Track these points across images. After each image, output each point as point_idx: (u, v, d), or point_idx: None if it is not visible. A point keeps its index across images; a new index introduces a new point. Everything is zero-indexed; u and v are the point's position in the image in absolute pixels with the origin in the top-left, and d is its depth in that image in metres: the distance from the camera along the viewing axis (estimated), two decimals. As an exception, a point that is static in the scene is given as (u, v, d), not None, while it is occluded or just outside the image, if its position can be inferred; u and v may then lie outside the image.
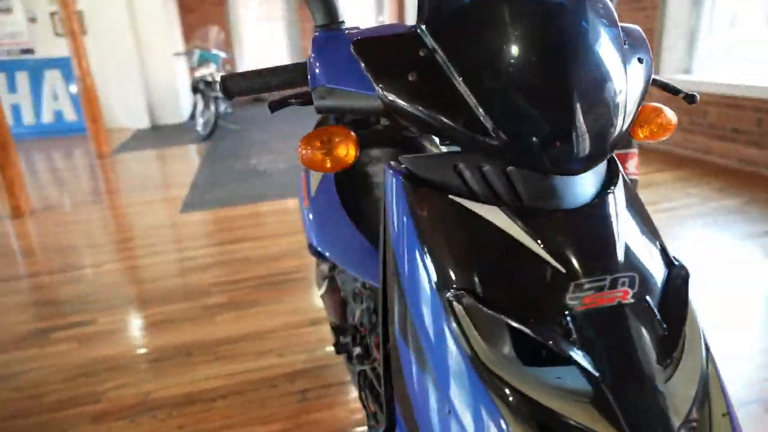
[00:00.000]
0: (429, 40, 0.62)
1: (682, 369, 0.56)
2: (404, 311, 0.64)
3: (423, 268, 0.62)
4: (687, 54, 4.69)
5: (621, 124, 0.62)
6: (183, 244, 3.37)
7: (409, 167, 0.70)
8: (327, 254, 1.35)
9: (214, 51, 7.67)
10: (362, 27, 0.72)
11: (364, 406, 1.34)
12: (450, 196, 0.63)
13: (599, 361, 0.53)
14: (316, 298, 2.55)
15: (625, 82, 0.63)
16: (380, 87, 0.63)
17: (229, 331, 2.32)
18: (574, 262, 0.57)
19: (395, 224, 0.68)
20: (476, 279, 0.58)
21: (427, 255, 0.62)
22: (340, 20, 0.71)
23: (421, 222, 0.64)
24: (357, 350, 1.37)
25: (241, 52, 10.54)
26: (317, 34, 0.72)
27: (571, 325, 0.54)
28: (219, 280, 2.80)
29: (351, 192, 1.46)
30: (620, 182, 0.65)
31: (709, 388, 0.57)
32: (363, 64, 0.64)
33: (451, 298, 0.58)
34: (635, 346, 0.54)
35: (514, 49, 0.59)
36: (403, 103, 0.62)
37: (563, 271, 0.56)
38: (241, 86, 0.76)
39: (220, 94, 7.31)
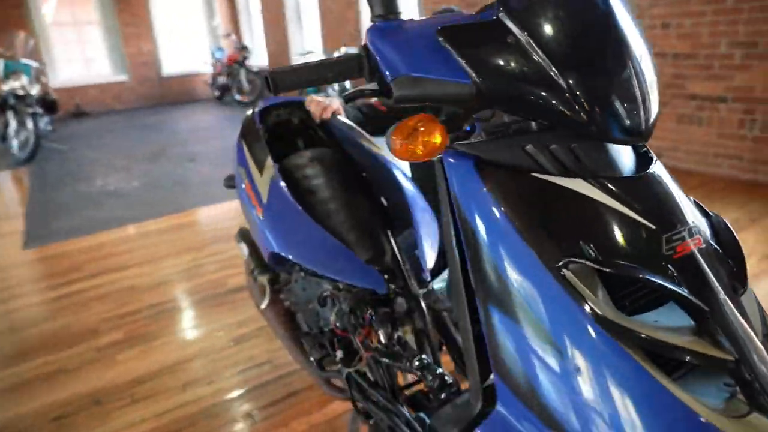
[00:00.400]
0: (513, 27, 0.65)
1: (746, 297, 0.68)
2: (507, 291, 0.67)
3: (524, 246, 0.65)
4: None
5: (659, 103, 0.71)
6: (46, 282, 2.91)
7: (475, 153, 0.72)
8: (295, 259, 1.30)
9: (24, 60, 6.68)
10: (410, 17, 0.73)
11: (356, 407, 1.32)
12: (533, 174, 0.68)
13: (698, 296, 0.62)
14: (229, 316, 2.40)
15: (653, 67, 0.73)
16: (476, 73, 0.65)
17: (137, 369, 2.07)
18: (660, 218, 0.65)
19: (476, 211, 0.70)
20: (581, 245, 0.63)
21: (525, 233, 0.65)
22: (398, 11, 0.71)
23: (508, 203, 0.67)
24: (339, 354, 1.33)
25: (51, 60, 9.29)
26: (377, 23, 0.70)
27: (673, 271, 0.62)
28: (106, 316, 2.48)
29: (301, 194, 1.43)
30: (653, 155, 0.76)
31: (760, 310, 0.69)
32: (454, 51, 0.65)
33: (562, 267, 0.63)
34: (718, 282, 0.64)
35: (589, 33, 0.65)
36: (503, 87, 0.65)
37: (654, 227, 0.64)
38: (292, 81, 0.71)
39: (38, 110, 6.39)
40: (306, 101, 1.71)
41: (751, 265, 2.53)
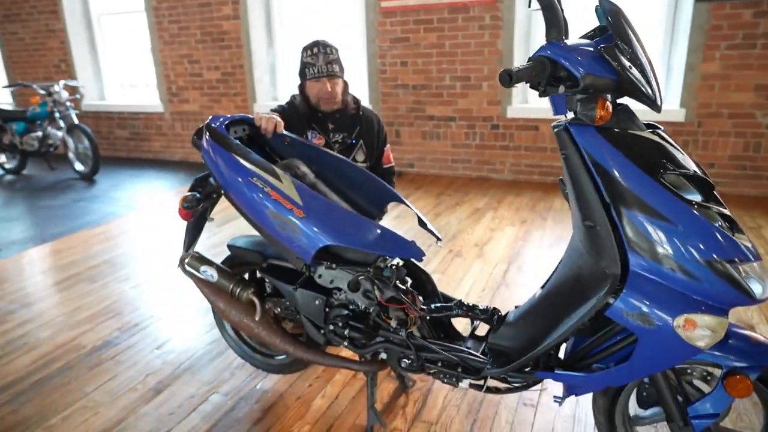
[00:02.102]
0: (622, 50, 1.15)
1: None
2: (634, 196, 1.14)
3: (636, 168, 1.14)
4: (272, 85, 5.71)
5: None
6: None
7: (586, 127, 1.18)
8: (349, 245, 1.50)
9: None
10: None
11: (401, 366, 1.58)
12: (629, 131, 1.18)
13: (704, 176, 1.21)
14: (130, 368, 2.15)
15: None
16: (623, 71, 1.12)
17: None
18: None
19: (605, 154, 1.16)
20: (665, 163, 1.16)
21: (635, 161, 1.15)
22: (563, 36, 1.14)
23: (621, 147, 1.16)
24: (393, 322, 1.56)
25: None
26: (556, 42, 1.11)
27: (696, 169, 1.20)
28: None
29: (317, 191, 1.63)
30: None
31: None
32: (612, 61, 1.11)
33: (662, 176, 1.15)
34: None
35: (644, 53, 1.20)
36: (634, 79, 1.13)
37: (689, 163, 1.21)
38: (518, 78, 1.06)
39: None
40: (255, 119, 1.83)
41: (515, 231, 3.56)
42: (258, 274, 1.94)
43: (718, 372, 1.33)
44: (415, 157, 5.09)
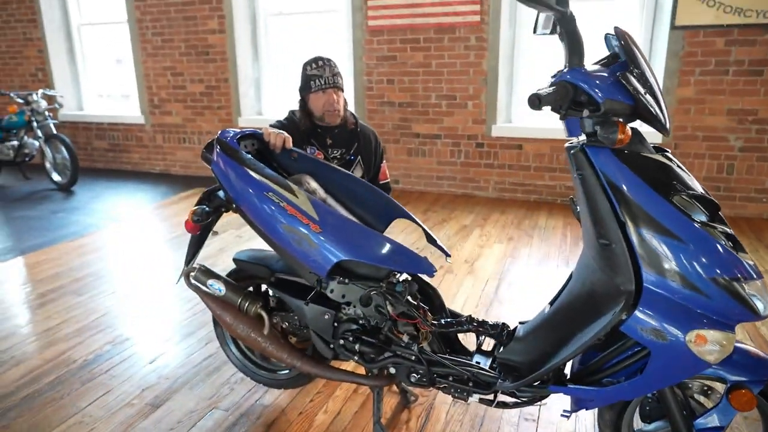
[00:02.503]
0: (636, 76, 1.21)
1: None
2: (646, 214, 1.19)
3: (648, 188, 1.20)
4: (257, 99, 5.71)
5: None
6: None
7: (602, 149, 1.24)
8: (364, 260, 1.52)
9: None
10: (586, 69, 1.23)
11: (410, 381, 1.60)
12: (642, 154, 1.24)
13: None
14: (125, 383, 2.11)
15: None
16: (639, 97, 1.17)
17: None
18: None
19: (618, 175, 1.21)
20: (675, 184, 1.22)
21: (648, 181, 1.21)
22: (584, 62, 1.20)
23: (634, 168, 1.22)
24: (405, 337, 1.58)
25: None
26: (578, 68, 1.17)
27: (702, 191, 1.27)
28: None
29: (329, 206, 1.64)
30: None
31: None
32: (628, 86, 1.16)
33: (672, 197, 1.21)
34: None
35: (654, 81, 1.26)
36: (648, 105, 1.19)
37: (696, 186, 1.28)
38: (547, 102, 1.11)
39: None
40: (264, 134, 1.84)
41: (502, 246, 3.63)
42: (263, 288, 1.93)
43: (718, 386, 1.39)
44: (400, 173, 5.14)
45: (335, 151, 2.34)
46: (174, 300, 2.86)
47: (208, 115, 5.77)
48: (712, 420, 1.35)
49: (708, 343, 1.21)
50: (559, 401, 1.88)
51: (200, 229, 1.79)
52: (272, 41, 5.60)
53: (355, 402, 2.01)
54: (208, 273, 1.78)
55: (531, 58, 4.69)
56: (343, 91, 2.28)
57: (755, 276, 1.22)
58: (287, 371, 1.99)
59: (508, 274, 3.18)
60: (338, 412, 1.95)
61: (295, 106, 2.36)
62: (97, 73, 6.51)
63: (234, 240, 3.81)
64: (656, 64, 4.25)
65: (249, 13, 5.47)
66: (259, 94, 5.74)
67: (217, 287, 1.76)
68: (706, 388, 1.45)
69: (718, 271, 1.20)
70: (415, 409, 1.96)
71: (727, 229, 1.25)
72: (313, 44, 5.31)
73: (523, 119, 4.81)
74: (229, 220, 4.06)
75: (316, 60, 2.24)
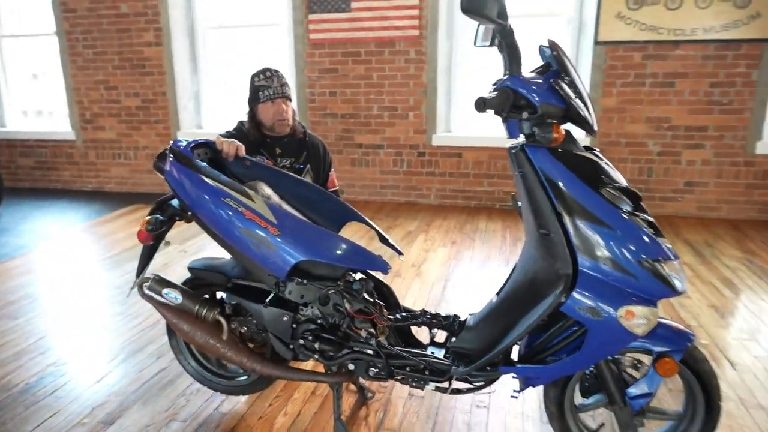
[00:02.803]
0: (567, 83, 1.35)
1: None
2: (580, 206, 1.33)
3: (581, 183, 1.34)
4: (196, 112, 5.63)
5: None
6: None
7: (540, 148, 1.37)
8: (323, 259, 1.58)
9: None
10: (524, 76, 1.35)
11: (368, 374, 1.66)
12: (575, 152, 1.38)
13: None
14: (73, 403, 2.05)
15: None
16: (570, 101, 1.30)
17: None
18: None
19: (555, 172, 1.34)
20: (603, 178, 1.37)
21: (580, 176, 1.35)
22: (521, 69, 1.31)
23: (568, 165, 1.35)
24: (363, 333, 1.64)
25: None
26: (517, 75, 1.28)
27: (622, 183, 1.42)
28: None
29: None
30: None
31: None
32: (561, 91, 1.29)
33: (602, 190, 1.35)
34: None
35: (582, 86, 1.41)
36: (577, 108, 1.32)
37: (621, 179, 1.43)
38: (491, 105, 1.22)
39: None
40: (217, 143, 1.88)
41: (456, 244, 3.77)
42: (218, 296, 1.95)
43: (646, 359, 1.55)
44: (344, 183, 5.20)
45: (285, 161, 2.38)
46: (117, 318, 2.79)
47: (144, 129, 5.63)
48: (642, 388, 1.50)
49: (636, 318, 1.35)
50: (507, 388, 2.00)
51: (153, 239, 1.79)
52: (212, 54, 5.55)
53: (313, 403, 2.04)
54: (163, 282, 1.78)
55: (468, 70, 4.91)
56: (291, 101, 2.34)
57: (673, 257, 1.38)
58: (245, 377, 2.00)
59: (453, 276, 3.31)
60: (298, 414, 1.98)
61: (242, 118, 2.39)
62: (19, 88, 6.20)
63: (178, 255, 3.74)
64: (582, 76, 4.49)
65: (187, 26, 5.41)
66: (199, 107, 5.66)
67: (173, 296, 1.76)
68: (636, 362, 1.60)
69: (643, 255, 1.35)
70: (373, 405, 2.03)
71: (649, 217, 1.41)
72: (255, 57, 5.31)
73: (462, 129, 5.01)
74: (171, 234, 3.98)
75: (264, 71, 2.29)
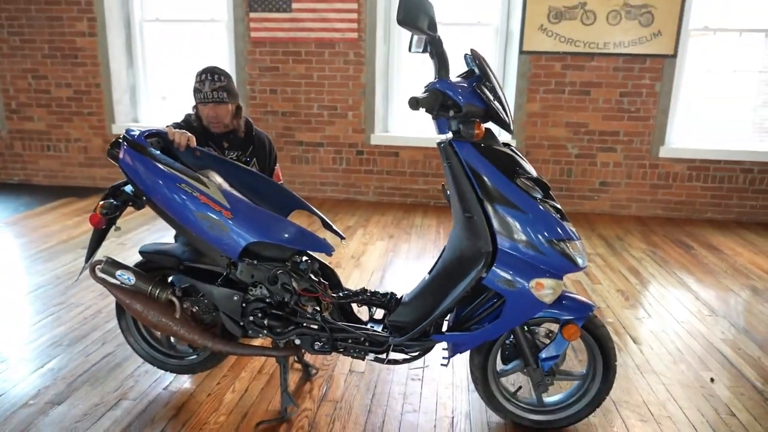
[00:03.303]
0: (487, 87, 1.57)
1: None
2: (499, 193, 1.56)
3: (500, 173, 1.57)
4: (132, 106, 5.54)
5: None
6: None
7: (465, 143, 1.58)
8: (273, 240, 1.73)
9: None
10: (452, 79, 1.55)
11: (314, 347, 1.82)
12: (493, 146, 1.60)
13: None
14: (16, 387, 2.07)
15: None
16: (489, 102, 1.53)
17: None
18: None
19: (478, 164, 1.56)
20: (518, 170, 1.60)
21: (499, 168, 1.57)
22: (449, 73, 1.52)
23: (489, 158, 1.57)
24: (310, 309, 1.80)
25: None
26: (444, 79, 1.48)
27: (532, 173, 1.67)
28: None
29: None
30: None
31: None
32: (482, 94, 1.51)
33: (516, 179, 1.58)
34: None
35: (501, 90, 1.64)
36: (496, 109, 1.54)
37: (532, 171, 1.67)
38: (425, 103, 1.41)
39: None
40: (169, 133, 1.98)
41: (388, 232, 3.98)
42: (169, 278, 2.04)
43: (555, 328, 1.81)
44: (285, 180, 5.30)
45: (232, 153, 2.49)
46: (59, 308, 2.78)
47: (77, 121, 5.47)
48: (551, 351, 1.76)
49: (545, 289, 1.60)
50: (439, 363, 2.22)
51: (105, 223, 1.87)
52: (149, 47, 5.48)
53: (260, 381, 2.18)
54: (116, 264, 1.86)
55: (404, 74, 5.15)
56: (229, 102, 2.38)
57: (576, 238, 1.64)
58: (195, 356, 2.11)
59: (391, 266, 3.52)
60: (246, 390, 2.11)
61: (187, 110, 2.48)
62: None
63: (117, 247, 3.72)
64: (509, 83, 4.92)
65: (122, 17, 5.32)
66: (135, 101, 5.57)
67: (127, 277, 1.85)
68: (548, 332, 1.86)
69: (551, 236, 1.60)
70: (317, 380, 2.19)
71: (556, 204, 1.66)
72: (194, 53, 5.30)
73: (399, 129, 5.24)
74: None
75: (201, 72, 2.35)
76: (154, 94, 5.60)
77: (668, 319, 2.86)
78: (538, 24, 4.63)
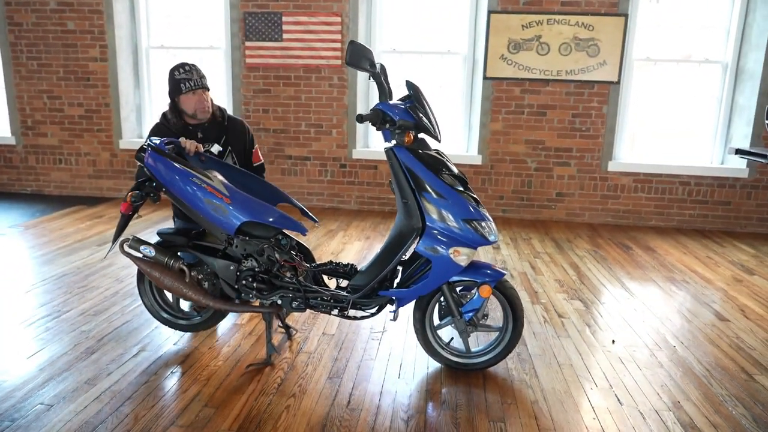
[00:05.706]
0: (418, 108, 2.16)
1: None
2: (429, 186, 2.13)
3: (430, 172, 2.14)
4: (138, 123, 6.12)
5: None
6: None
7: (402, 147, 2.17)
8: (262, 220, 2.28)
9: None
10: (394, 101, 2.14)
11: (292, 306, 2.37)
12: (426, 152, 2.19)
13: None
14: (56, 342, 2.61)
15: None
16: (419, 119, 2.12)
17: None
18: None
19: (413, 166, 2.14)
20: (442, 168, 2.19)
21: (429, 167, 2.15)
22: (391, 97, 2.12)
23: (422, 161, 2.16)
24: (288, 276, 2.36)
25: None
26: (385, 102, 2.08)
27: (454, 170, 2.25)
28: None
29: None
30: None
31: None
32: (413, 113, 2.10)
33: (441, 175, 2.17)
34: None
35: (428, 106, 2.24)
36: (425, 124, 2.14)
37: (455, 169, 2.26)
38: (370, 119, 2.00)
39: None
40: (182, 142, 2.56)
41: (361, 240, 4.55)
42: (179, 253, 2.59)
43: (475, 287, 2.37)
44: (275, 190, 5.88)
45: (206, 145, 2.77)
46: (80, 290, 3.32)
47: (87, 137, 6.05)
48: (471, 305, 2.33)
49: (461, 255, 2.18)
50: (395, 329, 2.77)
51: (132, 210, 2.43)
52: (155, 71, 6.09)
53: (250, 340, 2.72)
54: (140, 241, 2.42)
55: (382, 96, 5.78)
56: (209, 90, 2.74)
57: (486, 219, 2.23)
58: (198, 317, 2.65)
59: (365, 261, 4.08)
60: (239, 345, 2.65)
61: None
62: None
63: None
64: (475, 105, 5.55)
65: (131, 44, 5.95)
66: (141, 118, 6.17)
67: (148, 251, 2.40)
68: (469, 293, 2.42)
69: (467, 217, 2.18)
70: (296, 339, 2.73)
71: (473, 195, 2.25)
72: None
73: (379, 145, 5.85)
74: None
75: (182, 65, 2.68)
76: (157, 112, 6.18)
77: (592, 300, 3.43)
78: (499, 54, 5.28)
